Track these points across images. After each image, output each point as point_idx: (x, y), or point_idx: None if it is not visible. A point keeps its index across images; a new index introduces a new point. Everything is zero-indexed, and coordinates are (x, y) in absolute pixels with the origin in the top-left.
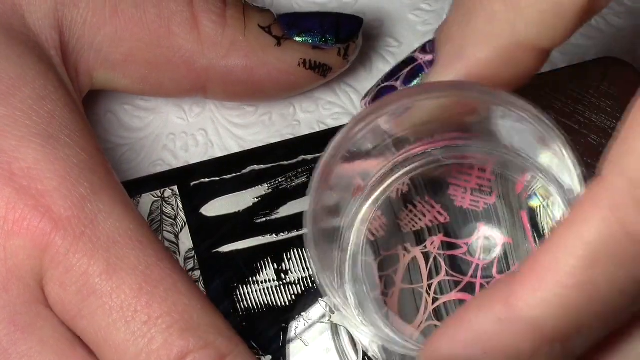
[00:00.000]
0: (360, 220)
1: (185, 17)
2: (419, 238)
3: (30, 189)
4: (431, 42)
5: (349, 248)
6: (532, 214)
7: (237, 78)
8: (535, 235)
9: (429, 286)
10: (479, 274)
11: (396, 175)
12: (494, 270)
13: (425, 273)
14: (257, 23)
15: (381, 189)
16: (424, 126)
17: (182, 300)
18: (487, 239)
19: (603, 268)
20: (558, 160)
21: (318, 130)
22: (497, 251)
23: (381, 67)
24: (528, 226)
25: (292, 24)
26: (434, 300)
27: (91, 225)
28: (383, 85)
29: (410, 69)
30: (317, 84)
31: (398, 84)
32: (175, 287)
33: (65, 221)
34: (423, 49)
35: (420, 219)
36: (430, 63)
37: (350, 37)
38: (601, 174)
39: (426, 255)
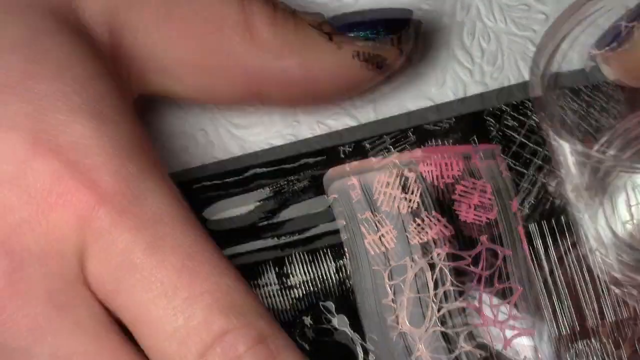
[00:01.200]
0: None
1: (237, 20)
2: (426, 250)
3: (77, 164)
4: None
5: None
6: (527, 230)
7: (292, 77)
8: (531, 249)
9: (435, 295)
10: (482, 284)
11: None
12: (495, 281)
13: (431, 283)
14: (307, 22)
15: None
16: None
17: (224, 281)
18: (489, 251)
19: None
20: None
21: (318, 130)
22: (498, 263)
23: None
24: (524, 240)
25: (341, 21)
26: (439, 308)
27: (136, 202)
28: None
29: None
30: (376, 80)
31: None
32: (218, 267)
33: (111, 196)
34: None
35: (427, 232)
36: None
37: (400, 26)
38: None
39: (432, 266)
